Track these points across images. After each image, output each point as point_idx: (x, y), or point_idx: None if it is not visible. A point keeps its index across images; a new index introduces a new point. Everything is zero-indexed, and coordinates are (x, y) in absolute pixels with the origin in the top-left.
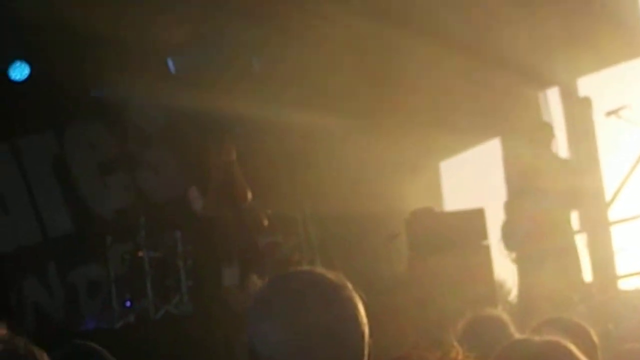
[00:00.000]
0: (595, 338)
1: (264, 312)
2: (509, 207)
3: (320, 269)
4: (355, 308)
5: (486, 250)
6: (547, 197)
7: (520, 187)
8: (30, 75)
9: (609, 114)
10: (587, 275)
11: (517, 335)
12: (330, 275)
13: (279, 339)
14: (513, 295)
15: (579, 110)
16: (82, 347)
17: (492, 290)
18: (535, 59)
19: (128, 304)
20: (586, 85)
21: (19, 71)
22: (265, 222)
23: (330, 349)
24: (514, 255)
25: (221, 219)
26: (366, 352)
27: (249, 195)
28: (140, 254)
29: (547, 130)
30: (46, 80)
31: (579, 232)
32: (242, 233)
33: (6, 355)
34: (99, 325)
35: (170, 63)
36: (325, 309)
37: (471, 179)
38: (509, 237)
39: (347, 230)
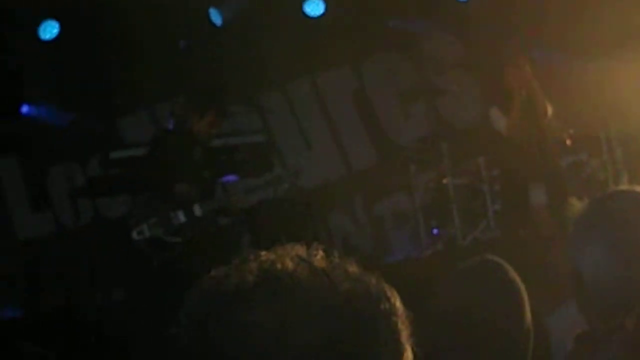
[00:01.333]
0: None
1: (587, 234)
2: None
3: None
4: None
5: None
6: None
7: None
8: (326, 11)
9: None
10: None
11: None
12: None
13: (603, 260)
14: None
15: None
16: (489, 261)
17: None
18: None
19: (435, 231)
20: None
21: (315, 7)
22: (568, 142)
23: None
24: None
25: (524, 139)
26: None
27: (550, 110)
28: (445, 181)
29: None
30: (341, 15)
31: None
32: (545, 153)
33: (355, 294)
34: (407, 254)
35: None
36: None
37: None
38: None
39: None
